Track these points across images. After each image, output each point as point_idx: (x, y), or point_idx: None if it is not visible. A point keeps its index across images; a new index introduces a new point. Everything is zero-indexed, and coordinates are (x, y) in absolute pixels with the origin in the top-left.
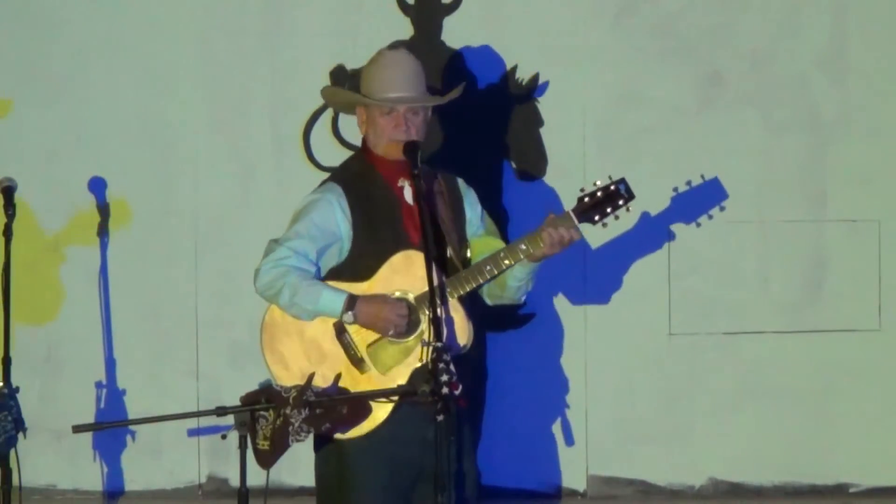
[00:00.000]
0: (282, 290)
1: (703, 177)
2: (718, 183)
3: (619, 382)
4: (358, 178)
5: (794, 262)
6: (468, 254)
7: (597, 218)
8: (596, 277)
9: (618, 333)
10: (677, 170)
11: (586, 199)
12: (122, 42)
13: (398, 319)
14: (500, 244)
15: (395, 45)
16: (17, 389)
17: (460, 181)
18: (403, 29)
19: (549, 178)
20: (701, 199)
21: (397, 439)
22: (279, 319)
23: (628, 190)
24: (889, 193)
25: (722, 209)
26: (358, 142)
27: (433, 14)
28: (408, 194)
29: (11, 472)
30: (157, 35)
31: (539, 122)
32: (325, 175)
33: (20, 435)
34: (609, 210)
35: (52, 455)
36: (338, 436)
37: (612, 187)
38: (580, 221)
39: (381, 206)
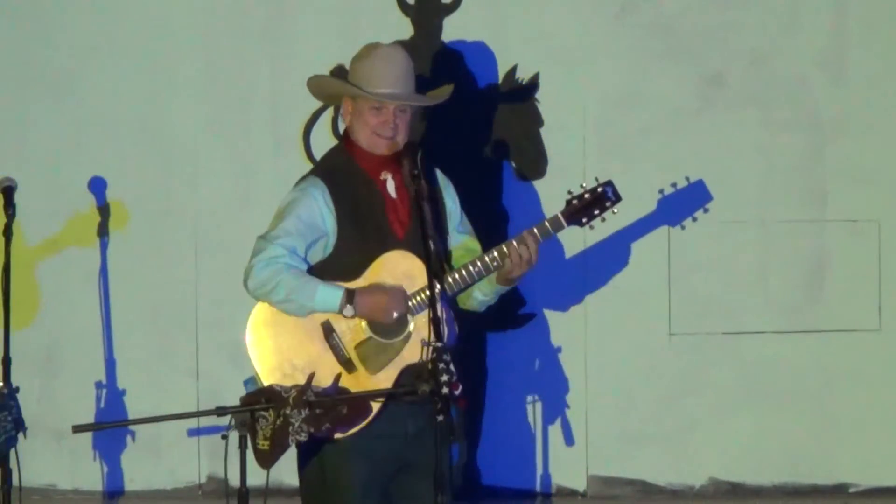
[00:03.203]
0: (276, 288)
1: (687, 178)
2: (703, 185)
3: (619, 382)
4: (340, 171)
5: (794, 262)
6: (449, 246)
7: (584, 220)
8: (596, 277)
9: (618, 333)
10: (678, 170)
11: (574, 202)
12: (122, 42)
13: (397, 305)
14: (477, 245)
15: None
16: (17, 389)
17: (438, 172)
18: (403, 29)
19: (549, 179)
20: (690, 200)
21: (377, 435)
22: (268, 319)
23: (615, 192)
24: (889, 193)
25: (706, 211)
26: None
27: (433, 14)
28: (391, 188)
29: (11, 472)
30: (157, 35)
31: (539, 122)
32: None
33: (20, 435)
34: (596, 212)
35: (52, 455)
36: (337, 435)
37: (600, 189)
38: (569, 224)
39: (365, 200)
